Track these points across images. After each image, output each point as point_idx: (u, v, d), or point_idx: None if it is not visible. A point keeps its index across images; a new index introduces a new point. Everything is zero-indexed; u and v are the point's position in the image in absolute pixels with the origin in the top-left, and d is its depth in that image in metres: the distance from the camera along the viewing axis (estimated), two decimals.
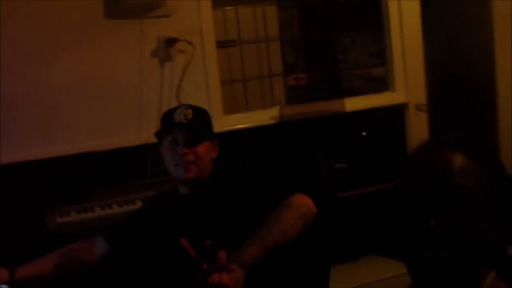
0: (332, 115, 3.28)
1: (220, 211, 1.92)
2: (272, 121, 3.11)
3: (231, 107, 3.26)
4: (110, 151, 2.82)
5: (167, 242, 1.91)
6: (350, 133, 3.31)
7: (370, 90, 3.63)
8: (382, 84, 3.63)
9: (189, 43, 2.87)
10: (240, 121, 3.09)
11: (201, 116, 1.98)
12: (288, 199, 1.87)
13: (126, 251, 2.02)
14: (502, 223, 1.05)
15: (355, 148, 3.26)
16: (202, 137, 1.95)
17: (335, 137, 3.29)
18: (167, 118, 1.97)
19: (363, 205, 3.12)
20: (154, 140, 2.81)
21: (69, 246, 1.99)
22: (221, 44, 3.22)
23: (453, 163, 1.03)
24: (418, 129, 3.47)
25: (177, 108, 1.98)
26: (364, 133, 3.24)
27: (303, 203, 1.88)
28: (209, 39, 2.98)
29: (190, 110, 1.95)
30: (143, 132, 2.89)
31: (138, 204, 2.67)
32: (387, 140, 3.36)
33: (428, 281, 1.04)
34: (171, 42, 2.83)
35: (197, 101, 2.95)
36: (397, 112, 3.50)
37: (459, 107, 3.78)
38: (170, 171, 1.98)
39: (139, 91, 2.87)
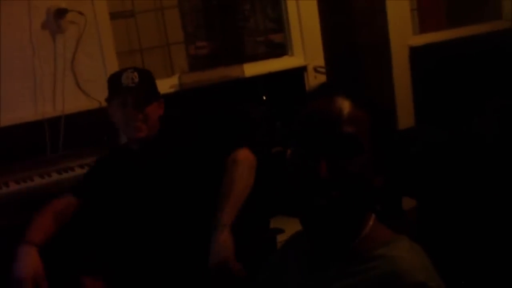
0: (233, 81, 3.31)
1: (168, 165, 2.09)
2: (172, 90, 3.11)
3: None
4: (6, 128, 2.72)
5: (121, 196, 2.11)
6: (251, 98, 3.36)
7: (271, 56, 3.69)
8: (283, 49, 3.69)
9: (81, 13, 2.80)
10: None
11: (146, 79, 2.10)
12: (232, 155, 2.02)
13: (92, 203, 2.16)
14: (385, 170, 1.10)
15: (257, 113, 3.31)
16: (149, 99, 2.08)
17: (237, 102, 3.33)
18: (115, 81, 2.09)
19: (264, 167, 3.19)
20: (51, 114, 2.81)
21: (56, 203, 2.12)
22: (116, 15, 3.16)
23: (342, 111, 1.05)
24: None
25: (123, 72, 2.08)
26: (264, 97, 3.30)
27: (246, 157, 2.04)
28: (101, 9, 2.90)
29: (136, 74, 2.06)
30: (39, 107, 2.81)
31: (37, 181, 2.62)
32: (288, 103, 3.44)
33: (319, 227, 1.08)
34: (61, 13, 2.74)
35: (93, 73, 2.93)
36: (297, 75, 3.58)
37: (356, 69, 3.92)
38: (121, 130, 2.18)
39: (32, 66, 2.78)
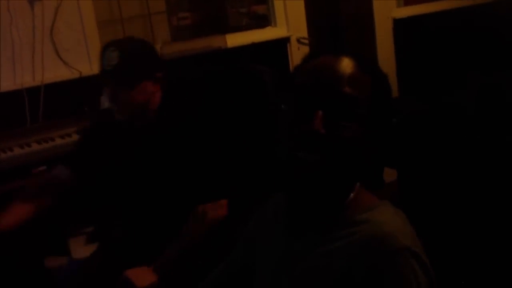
0: (216, 52, 3.28)
1: (163, 153, 1.97)
2: None
3: None
4: None
5: (120, 169, 2.01)
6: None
7: (255, 27, 3.65)
8: (266, 21, 3.66)
9: None
10: None
11: (129, 57, 1.88)
12: (204, 206, 1.88)
13: (88, 178, 2.08)
14: (380, 138, 1.06)
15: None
16: (131, 82, 1.89)
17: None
18: (100, 60, 1.92)
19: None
20: (31, 84, 2.77)
21: (48, 176, 2.07)
22: None
23: (346, 70, 1.02)
24: None
25: (106, 50, 1.89)
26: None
27: (215, 214, 1.89)
28: None
29: (116, 53, 1.86)
30: (18, 77, 2.77)
31: (17, 151, 2.59)
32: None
33: (306, 185, 1.02)
34: None
35: (73, 42, 2.89)
36: (280, 46, 3.56)
37: (340, 40, 3.90)
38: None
39: (9, 34, 2.73)
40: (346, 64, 1.02)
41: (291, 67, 3.58)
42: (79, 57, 2.88)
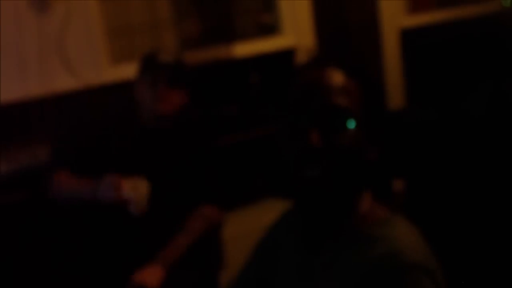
0: (223, 61, 3.28)
1: (172, 156, 2.17)
2: None
3: (120, 57, 3.16)
4: None
5: (123, 168, 2.09)
6: (241, 78, 3.34)
7: (261, 36, 3.65)
8: (273, 30, 3.66)
9: None
10: (128, 71, 3.00)
11: (181, 64, 2.19)
12: (201, 209, 2.16)
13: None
14: (379, 143, 1.08)
15: (246, 93, 3.30)
16: (180, 81, 2.15)
17: (227, 82, 3.31)
18: (150, 59, 2.17)
19: (257, 149, 3.18)
20: (38, 94, 2.76)
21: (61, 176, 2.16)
22: None
23: (333, 81, 1.04)
24: None
25: (161, 52, 2.20)
26: (254, 78, 3.27)
27: (211, 215, 2.19)
28: None
29: (170, 57, 2.17)
30: (25, 86, 2.74)
31: (23, 161, 2.59)
32: (278, 84, 3.41)
33: (313, 201, 1.05)
34: None
35: (81, 51, 2.88)
36: (287, 56, 3.55)
37: (347, 50, 3.88)
38: (146, 106, 2.16)
39: (17, 44, 2.73)
40: (333, 75, 1.05)
41: None
42: (87, 66, 2.87)
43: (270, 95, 3.28)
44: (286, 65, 3.55)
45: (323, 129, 1.01)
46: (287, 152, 1.04)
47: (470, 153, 2.88)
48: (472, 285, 2.15)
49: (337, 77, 1.05)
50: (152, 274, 1.93)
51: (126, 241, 2.04)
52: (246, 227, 3.04)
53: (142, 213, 1.96)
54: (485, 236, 2.45)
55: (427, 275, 0.97)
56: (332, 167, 1.01)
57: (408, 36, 3.93)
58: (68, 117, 2.79)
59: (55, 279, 2.40)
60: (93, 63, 2.84)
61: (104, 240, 2.10)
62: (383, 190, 1.22)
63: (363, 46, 3.87)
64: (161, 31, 3.40)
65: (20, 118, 2.73)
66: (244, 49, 3.37)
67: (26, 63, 2.75)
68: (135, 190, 1.92)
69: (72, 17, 2.81)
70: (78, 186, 2.09)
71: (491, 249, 2.37)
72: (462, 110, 3.25)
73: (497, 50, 3.84)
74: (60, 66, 2.82)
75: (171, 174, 2.15)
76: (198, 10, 3.83)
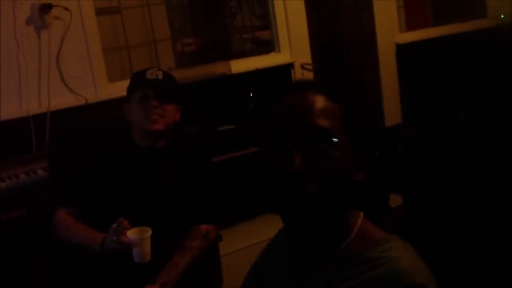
0: (220, 77, 3.30)
1: (169, 174, 2.15)
2: None
3: (118, 75, 3.19)
4: None
5: (120, 189, 2.11)
6: (238, 95, 3.36)
7: (258, 53, 3.67)
8: (270, 46, 3.69)
9: (66, 9, 2.77)
10: (125, 89, 3.03)
11: (170, 79, 2.16)
12: (200, 226, 2.15)
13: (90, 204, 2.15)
14: (365, 165, 1.08)
15: (244, 110, 3.31)
16: (170, 97, 2.11)
17: (224, 99, 3.33)
18: (138, 76, 2.14)
19: (255, 164, 3.18)
20: (37, 111, 2.78)
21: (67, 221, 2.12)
22: (102, 11, 3.13)
23: (314, 104, 1.05)
24: None
25: (148, 69, 2.14)
26: (251, 94, 3.29)
27: (208, 233, 2.17)
28: (86, 5, 2.88)
29: (161, 72, 2.13)
30: (24, 104, 2.78)
31: (22, 178, 2.59)
32: (275, 100, 3.43)
33: (300, 225, 1.04)
34: (45, 8, 2.71)
35: (79, 70, 2.90)
36: (283, 72, 3.58)
37: (343, 66, 3.92)
38: (137, 124, 2.12)
39: (16, 62, 2.75)
40: (313, 99, 1.05)
41: None
42: (85, 84, 2.90)
43: (267, 111, 3.29)
44: (283, 81, 3.57)
45: (305, 152, 1.01)
46: (271, 174, 1.05)
47: (466, 168, 2.89)
48: None
49: (316, 100, 1.05)
50: None
51: (125, 261, 2.01)
52: (244, 243, 3.06)
53: (145, 261, 1.96)
54: (480, 250, 2.46)
55: None
56: (316, 190, 1.00)
57: (403, 51, 3.97)
58: (67, 133, 2.80)
59: None
60: (91, 81, 2.88)
61: (103, 261, 2.07)
62: (377, 208, 1.22)
63: (359, 61, 3.91)
64: (158, 49, 3.42)
65: (19, 134, 2.75)
66: (241, 65, 3.39)
67: (26, 80, 2.77)
68: (139, 243, 1.90)
69: (70, 36, 2.84)
70: (86, 236, 2.06)
71: (486, 263, 2.38)
72: (456, 126, 3.28)
73: (490, 65, 3.87)
74: (58, 84, 2.84)
75: (168, 194, 2.15)
76: (196, 28, 3.87)
